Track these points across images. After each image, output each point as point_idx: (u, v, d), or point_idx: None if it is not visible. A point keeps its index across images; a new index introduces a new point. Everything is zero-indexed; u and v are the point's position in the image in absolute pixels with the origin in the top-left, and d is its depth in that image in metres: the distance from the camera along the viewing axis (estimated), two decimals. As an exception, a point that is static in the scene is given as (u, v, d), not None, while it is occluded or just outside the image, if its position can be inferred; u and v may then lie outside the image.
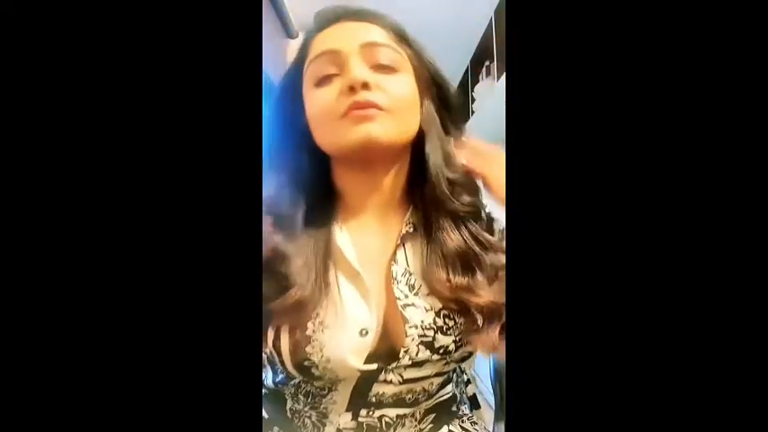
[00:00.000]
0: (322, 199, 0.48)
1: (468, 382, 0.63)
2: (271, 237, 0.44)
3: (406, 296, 0.46)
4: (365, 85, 0.42)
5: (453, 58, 2.31)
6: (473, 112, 2.24)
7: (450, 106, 0.51)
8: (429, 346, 0.44)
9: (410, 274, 0.47)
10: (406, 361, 0.45)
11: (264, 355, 0.47)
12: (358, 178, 0.49)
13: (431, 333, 0.44)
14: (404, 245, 0.48)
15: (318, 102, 0.45)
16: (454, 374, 0.58)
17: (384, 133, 0.43)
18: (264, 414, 0.52)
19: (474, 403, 0.62)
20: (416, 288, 0.46)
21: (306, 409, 0.49)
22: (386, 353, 0.45)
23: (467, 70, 2.41)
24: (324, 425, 0.48)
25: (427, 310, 0.45)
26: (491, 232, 0.50)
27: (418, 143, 0.48)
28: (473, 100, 2.24)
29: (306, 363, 0.43)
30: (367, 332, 0.45)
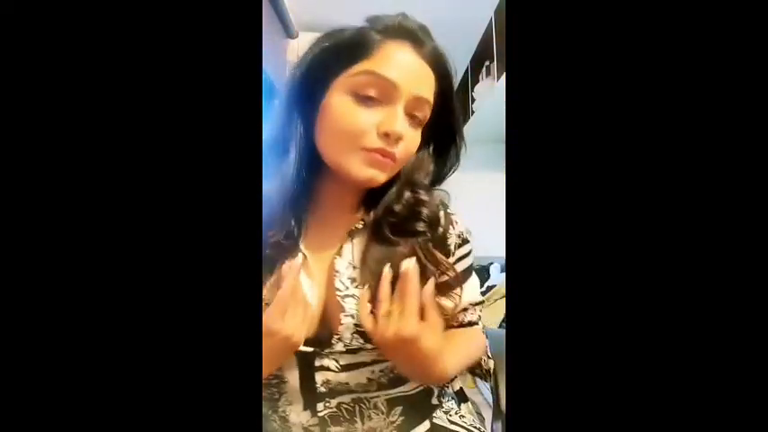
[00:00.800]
0: (297, 188, 0.50)
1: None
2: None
3: (347, 288, 0.49)
4: (398, 139, 0.46)
5: (453, 58, 2.31)
6: (473, 112, 2.25)
7: (446, 156, 0.55)
8: (363, 335, 0.47)
9: (354, 268, 0.50)
10: (339, 347, 0.48)
11: None
12: (333, 185, 0.52)
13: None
14: (352, 240, 0.51)
15: (352, 116, 0.46)
16: None
17: (384, 178, 0.48)
18: None
19: (461, 397, 0.63)
20: (357, 281, 0.49)
21: (269, 412, 0.52)
22: (321, 339, 0.48)
23: (467, 70, 2.41)
24: (289, 429, 0.51)
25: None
26: (444, 246, 0.54)
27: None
28: (473, 100, 2.24)
29: None
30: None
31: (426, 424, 0.55)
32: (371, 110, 0.46)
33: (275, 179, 0.48)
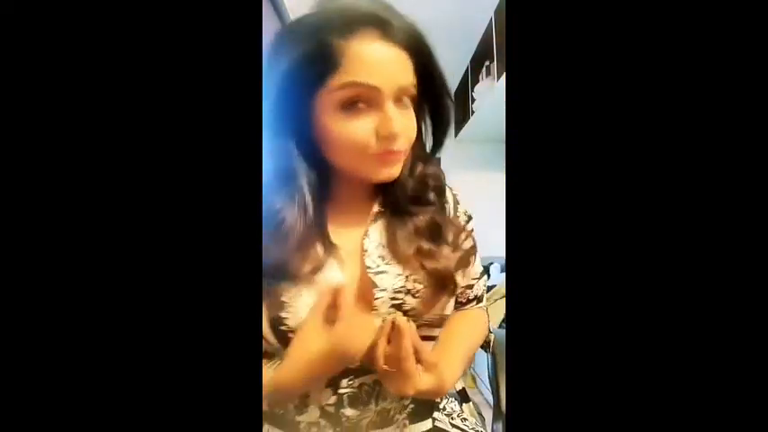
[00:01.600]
0: (315, 186, 0.51)
1: None
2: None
3: (378, 266, 0.50)
4: (398, 136, 0.47)
5: (453, 58, 2.32)
6: (473, 112, 2.25)
7: (441, 120, 0.56)
8: (398, 308, 0.48)
9: (383, 247, 0.52)
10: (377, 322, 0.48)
11: None
12: (347, 182, 0.54)
13: (400, 296, 0.48)
14: (375, 222, 0.54)
15: (349, 132, 0.46)
16: None
17: (399, 170, 0.51)
18: None
19: (463, 397, 0.63)
20: (387, 259, 0.51)
21: None
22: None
23: (467, 70, 2.41)
24: (306, 405, 0.49)
25: (398, 275, 0.49)
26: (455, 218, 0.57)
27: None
28: (473, 100, 2.24)
29: (282, 327, 0.45)
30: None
31: (428, 423, 0.55)
32: (364, 117, 0.45)
33: (288, 194, 0.48)
